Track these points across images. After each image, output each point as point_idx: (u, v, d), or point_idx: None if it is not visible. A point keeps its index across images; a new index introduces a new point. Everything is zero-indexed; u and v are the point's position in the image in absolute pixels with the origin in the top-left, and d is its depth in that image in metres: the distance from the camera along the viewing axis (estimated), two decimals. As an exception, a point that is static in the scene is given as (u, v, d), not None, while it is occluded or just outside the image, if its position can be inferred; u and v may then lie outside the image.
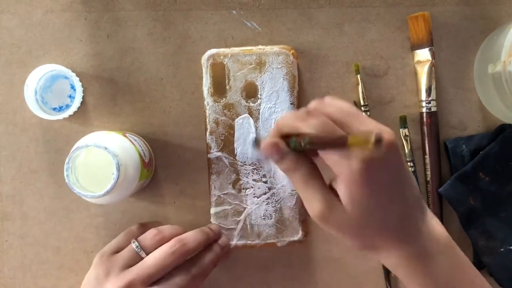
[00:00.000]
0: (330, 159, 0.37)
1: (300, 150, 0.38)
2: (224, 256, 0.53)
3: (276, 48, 0.53)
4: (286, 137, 0.39)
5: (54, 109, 0.55)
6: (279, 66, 0.53)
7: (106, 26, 0.56)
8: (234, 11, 0.56)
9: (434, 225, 0.39)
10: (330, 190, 0.38)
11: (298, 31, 0.56)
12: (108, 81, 0.56)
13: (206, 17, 0.56)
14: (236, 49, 0.53)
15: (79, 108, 0.55)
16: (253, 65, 0.53)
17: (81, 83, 0.55)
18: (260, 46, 0.54)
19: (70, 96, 0.55)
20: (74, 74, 0.54)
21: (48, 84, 0.55)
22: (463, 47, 0.55)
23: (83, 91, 0.55)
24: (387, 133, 0.36)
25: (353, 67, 0.55)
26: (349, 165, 0.35)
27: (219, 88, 0.54)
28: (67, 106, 0.55)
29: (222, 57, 0.53)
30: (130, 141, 0.50)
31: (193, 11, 0.56)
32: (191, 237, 0.49)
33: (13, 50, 0.56)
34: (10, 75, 0.56)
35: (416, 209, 0.39)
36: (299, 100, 0.54)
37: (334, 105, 0.38)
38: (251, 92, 0.54)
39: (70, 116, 0.55)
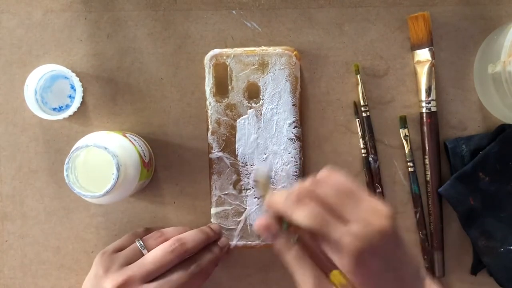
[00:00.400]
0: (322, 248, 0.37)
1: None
2: (224, 256, 0.53)
3: (279, 49, 0.53)
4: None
5: (54, 109, 0.55)
6: (281, 67, 0.53)
7: (106, 26, 0.56)
8: (234, 11, 0.56)
9: None
10: (321, 270, 0.38)
11: (298, 31, 0.56)
12: (108, 81, 0.56)
13: (206, 17, 0.56)
14: (239, 50, 0.53)
15: (79, 108, 0.55)
16: (255, 66, 0.53)
17: (81, 83, 0.55)
18: (263, 47, 0.53)
19: (70, 96, 0.55)
20: (74, 74, 0.54)
21: (48, 84, 0.55)
22: (463, 47, 0.55)
23: (83, 91, 0.55)
24: (378, 219, 0.35)
25: (353, 67, 0.55)
26: (339, 257, 0.36)
27: (221, 88, 0.54)
28: (67, 106, 0.55)
29: (225, 57, 0.53)
30: (130, 141, 0.50)
31: (193, 11, 0.56)
32: (190, 236, 0.50)
33: (13, 50, 0.56)
34: (10, 75, 0.56)
35: (413, 283, 0.38)
36: (301, 101, 0.54)
37: (329, 184, 0.37)
38: (253, 92, 0.54)
39: (70, 116, 0.55)
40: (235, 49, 0.53)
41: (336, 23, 0.56)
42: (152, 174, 0.55)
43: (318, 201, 0.36)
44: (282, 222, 0.39)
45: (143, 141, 0.54)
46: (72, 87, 0.55)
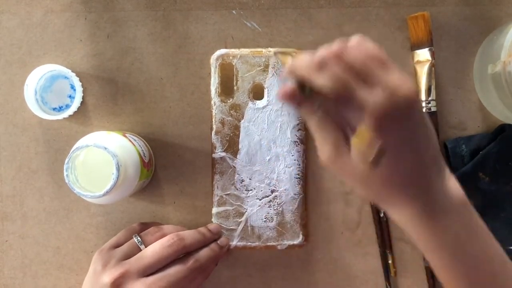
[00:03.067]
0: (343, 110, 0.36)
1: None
2: (224, 256, 0.53)
3: (285, 51, 0.53)
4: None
5: (54, 109, 0.55)
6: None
7: (106, 26, 0.56)
8: (234, 11, 0.56)
9: (450, 184, 0.38)
10: (343, 137, 0.37)
11: (298, 31, 0.56)
12: (108, 81, 0.56)
13: (206, 17, 0.56)
14: (245, 50, 0.53)
15: (79, 108, 0.55)
16: (261, 67, 0.53)
17: (81, 83, 0.55)
18: (269, 49, 0.53)
19: (70, 96, 0.55)
20: (74, 74, 0.54)
21: (48, 84, 0.55)
22: (463, 47, 0.55)
23: (83, 91, 0.55)
24: (407, 87, 0.34)
25: (353, 67, 0.55)
26: (362, 121, 0.35)
27: (227, 88, 0.54)
28: (67, 106, 0.55)
29: (231, 57, 0.53)
30: (130, 141, 0.50)
31: (193, 11, 0.56)
32: (189, 233, 0.50)
33: (13, 50, 0.56)
34: (10, 75, 0.56)
35: (430, 167, 0.37)
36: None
37: (358, 49, 0.35)
38: (258, 94, 0.54)
39: (70, 116, 0.55)
40: (242, 49, 0.53)
41: (336, 23, 0.56)
42: (152, 174, 0.55)
43: (344, 65, 0.35)
44: (304, 88, 0.37)
45: (143, 141, 0.54)
46: (72, 87, 0.55)
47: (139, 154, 0.50)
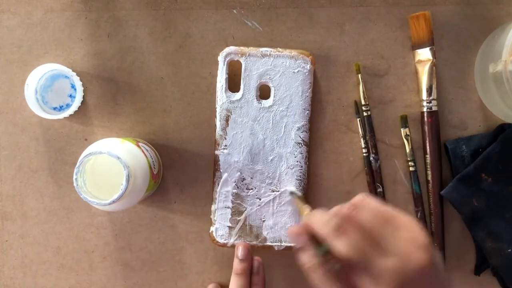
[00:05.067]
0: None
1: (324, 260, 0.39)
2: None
3: (294, 52, 0.53)
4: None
5: (55, 108, 0.55)
6: (295, 71, 0.53)
7: (107, 25, 0.56)
8: (234, 11, 0.56)
9: None
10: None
11: (298, 31, 0.56)
12: (109, 80, 0.56)
13: (206, 17, 0.56)
14: (254, 49, 0.53)
15: (79, 107, 0.55)
16: (269, 67, 0.53)
17: (81, 83, 0.55)
18: (279, 49, 0.53)
19: (70, 95, 0.55)
20: (74, 74, 0.54)
21: (48, 84, 0.55)
22: (464, 47, 0.55)
23: (84, 91, 0.55)
24: (419, 256, 0.35)
25: (353, 66, 0.55)
26: (373, 283, 0.36)
27: (233, 86, 0.54)
28: (68, 106, 0.55)
29: (239, 55, 0.53)
30: (143, 151, 0.50)
31: (194, 11, 0.56)
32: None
33: (14, 50, 0.56)
34: (11, 75, 0.56)
35: None
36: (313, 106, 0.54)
37: (367, 210, 0.37)
38: (264, 93, 0.54)
39: (70, 115, 0.55)
40: (251, 48, 0.53)
41: (337, 22, 0.56)
42: (158, 185, 0.55)
43: (358, 228, 0.37)
44: (321, 246, 0.39)
45: (154, 151, 0.54)
46: (73, 87, 0.55)
47: (150, 165, 0.50)
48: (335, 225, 0.37)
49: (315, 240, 0.39)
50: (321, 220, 0.39)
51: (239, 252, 0.53)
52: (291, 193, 0.53)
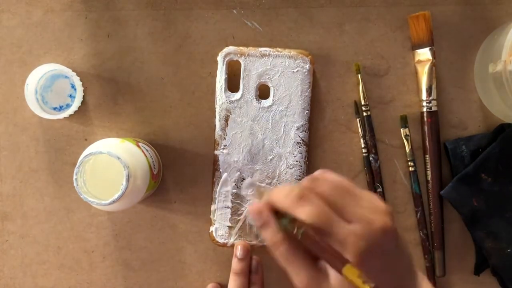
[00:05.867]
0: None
1: (289, 232, 0.38)
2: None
3: (293, 52, 0.53)
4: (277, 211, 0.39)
5: (55, 108, 0.55)
6: (295, 70, 0.53)
7: (107, 25, 0.56)
8: (234, 11, 0.56)
9: (423, 285, 0.40)
10: (314, 263, 0.38)
11: (298, 31, 0.56)
12: (109, 80, 0.56)
13: (206, 17, 0.56)
14: (253, 49, 0.53)
15: (79, 107, 0.55)
16: (269, 67, 0.53)
17: (81, 83, 0.55)
18: (278, 49, 0.53)
19: (70, 95, 0.55)
20: (74, 74, 0.54)
21: (48, 84, 0.55)
22: (463, 47, 0.55)
23: (84, 91, 0.55)
24: (382, 219, 0.36)
25: (353, 66, 0.55)
26: (343, 254, 0.36)
27: (232, 86, 0.54)
28: (68, 106, 0.55)
29: (239, 55, 0.53)
30: (143, 151, 0.50)
31: (194, 11, 0.56)
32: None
33: (14, 50, 0.56)
34: (11, 75, 0.56)
35: (407, 280, 0.39)
36: (312, 106, 0.54)
37: (327, 182, 0.37)
38: (264, 93, 0.54)
39: (70, 115, 0.55)
40: (250, 48, 0.53)
41: (337, 22, 0.56)
42: (158, 185, 0.55)
43: (320, 197, 0.37)
44: (281, 220, 0.38)
45: (154, 151, 0.54)
46: (73, 87, 0.55)
47: (150, 165, 0.50)
48: (297, 195, 0.37)
49: (277, 215, 0.38)
50: (281, 192, 0.38)
51: (238, 251, 0.53)
52: (253, 185, 0.53)
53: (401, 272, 0.39)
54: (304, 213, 0.36)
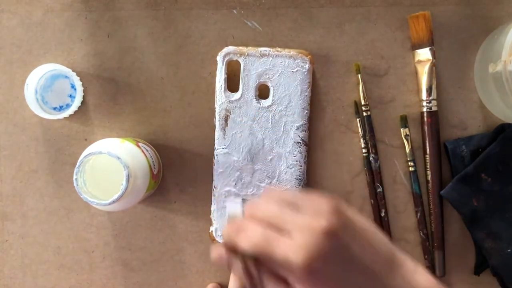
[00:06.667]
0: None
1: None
2: None
3: (293, 51, 0.53)
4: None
5: (55, 108, 0.55)
6: (294, 70, 0.53)
7: (107, 25, 0.56)
8: (234, 11, 0.56)
9: (416, 279, 0.36)
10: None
11: (298, 31, 0.56)
12: (109, 80, 0.56)
13: (206, 17, 0.56)
14: (253, 49, 0.53)
15: (79, 107, 0.55)
16: (268, 67, 0.53)
17: (81, 83, 0.55)
18: (277, 48, 0.53)
19: (70, 95, 0.55)
20: (74, 74, 0.54)
21: (48, 84, 0.55)
22: (463, 47, 0.55)
23: (84, 91, 0.55)
24: (323, 221, 0.33)
25: (353, 66, 0.55)
26: (292, 273, 0.33)
27: (232, 85, 0.54)
28: (68, 106, 0.55)
29: (238, 55, 0.53)
30: (143, 151, 0.50)
31: (194, 11, 0.56)
32: None
33: (14, 50, 0.56)
34: (11, 75, 0.56)
35: (384, 274, 0.35)
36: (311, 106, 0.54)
37: (267, 202, 0.35)
38: (263, 92, 0.54)
39: (70, 115, 0.55)
40: (249, 48, 0.53)
41: (337, 22, 0.56)
42: (158, 185, 0.55)
43: (258, 222, 0.34)
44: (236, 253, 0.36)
45: (154, 151, 0.54)
46: (73, 87, 0.55)
47: (150, 165, 0.50)
48: (236, 227, 0.35)
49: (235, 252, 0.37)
50: (225, 231, 0.36)
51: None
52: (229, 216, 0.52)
53: (370, 265, 0.34)
54: (244, 242, 0.34)
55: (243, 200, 0.53)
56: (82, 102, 0.55)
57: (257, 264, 0.35)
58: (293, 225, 0.33)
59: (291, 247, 0.32)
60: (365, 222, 0.35)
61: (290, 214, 0.34)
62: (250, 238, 0.34)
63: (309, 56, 0.53)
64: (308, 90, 0.53)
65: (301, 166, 0.54)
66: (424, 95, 0.54)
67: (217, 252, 0.37)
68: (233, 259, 0.36)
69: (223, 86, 0.53)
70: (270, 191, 0.36)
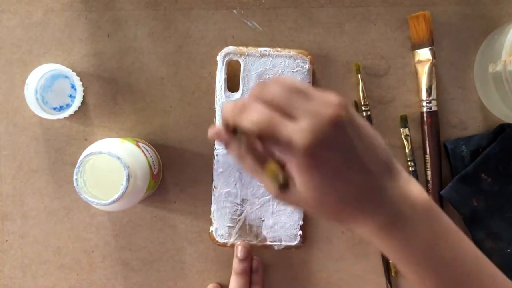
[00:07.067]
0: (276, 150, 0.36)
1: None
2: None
3: (293, 52, 0.53)
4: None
5: (55, 108, 0.55)
6: (294, 70, 0.53)
7: (107, 25, 0.56)
8: (234, 11, 0.56)
9: (410, 188, 0.36)
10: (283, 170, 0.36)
11: (298, 31, 0.56)
12: (109, 80, 0.56)
13: (206, 17, 0.56)
14: (253, 49, 0.53)
15: (79, 107, 0.55)
16: (268, 67, 0.53)
17: (81, 83, 0.55)
18: (278, 48, 0.53)
19: (70, 95, 0.55)
20: (74, 74, 0.54)
21: (48, 84, 0.55)
22: (463, 47, 0.55)
23: (84, 91, 0.55)
24: (331, 110, 0.33)
25: (353, 66, 0.55)
26: (293, 155, 0.33)
27: (232, 85, 0.54)
28: (68, 106, 0.55)
29: (238, 55, 0.53)
30: (143, 151, 0.50)
31: (194, 11, 0.56)
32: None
33: (14, 50, 0.56)
34: (11, 75, 0.56)
35: (381, 177, 0.35)
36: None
37: (276, 86, 0.35)
38: None
39: (70, 115, 0.55)
40: (250, 48, 0.53)
41: (337, 22, 0.56)
42: (158, 185, 0.55)
43: (265, 103, 0.34)
44: (236, 133, 0.36)
45: (154, 151, 0.54)
46: (73, 87, 0.55)
47: (150, 165, 0.50)
48: (240, 106, 0.35)
49: (235, 131, 0.37)
50: (229, 106, 0.36)
51: (239, 252, 0.53)
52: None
53: (372, 168, 0.35)
54: (246, 121, 0.34)
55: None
56: (82, 102, 0.55)
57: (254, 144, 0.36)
58: (300, 111, 0.33)
59: (296, 129, 0.33)
60: (368, 125, 0.36)
61: (298, 100, 0.34)
62: (254, 117, 0.34)
63: (309, 56, 0.53)
64: None
65: None
66: (424, 95, 0.54)
67: (215, 129, 0.38)
68: (228, 137, 0.37)
69: (223, 86, 0.53)
70: (280, 78, 0.36)
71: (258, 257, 0.54)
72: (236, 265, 0.53)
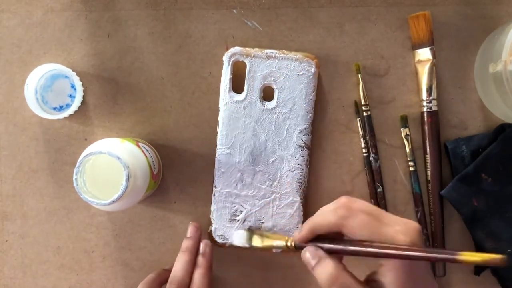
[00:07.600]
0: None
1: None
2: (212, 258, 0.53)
3: (299, 55, 0.53)
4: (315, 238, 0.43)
5: (55, 108, 0.55)
6: (300, 73, 0.53)
7: (107, 25, 0.56)
8: (234, 10, 0.56)
9: None
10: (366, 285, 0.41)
11: (298, 31, 0.56)
12: (109, 80, 0.56)
13: (206, 17, 0.56)
14: (259, 50, 0.53)
15: (79, 107, 0.55)
16: (274, 69, 0.53)
17: (81, 83, 0.55)
18: (284, 51, 0.53)
19: (70, 95, 0.55)
20: (74, 74, 0.54)
21: (48, 84, 0.55)
22: (464, 47, 0.55)
23: (84, 91, 0.55)
24: (413, 222, 0.40)
25: (353, 66, 0.55)
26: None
27: (236, 86, 0.54)
28: (68, 106, 0.55)
29: (244, 56, 0.53)
30: (143, 151, 0.50)
31: (194, 10, 0.56)
32: (176, 269, 0.51)
33: (14, 50, 0.56)
34: (11, 75, 0.56)
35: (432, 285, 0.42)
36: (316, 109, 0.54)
37: (359, 202, 0.41)
38: (268, 95, 0.53)
39: (70, 115, 0.55)
40: (256, 49, 0.53)
41: (337, 22, 0.56)
42: (158, 185, 0.55)
43: (361, 211, 0.40)
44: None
45: (154, 151, 0.54)
46: (73, 87, 0.55)
47: (150, 165, 0.50)
48: (343, 211, 0.41)
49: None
50: (325, 212, 0.41)
51: (188, 230, 0.53)
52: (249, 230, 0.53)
53: (429, 280, 0.42)
54: (355, 224, 0.40)
55: (249, 230, 0.53)
56: (82, 102, 0.55)
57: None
58: (391, 220, 0.40)
59: (396, 231, 0.39)
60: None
61: (384, 213, 0.41)
62: (360, 221, 0.40)
63: (315, 60, 0.53)
64: (312, 94, 0.53)
65: (302, 170, 0.53)
66: (424, 95, 0.54)
67: (312, 248, 0.43)
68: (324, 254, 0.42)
69: (228, 86, 0.53)
70: (353, 199, 0.42)
71: (208, 241, 0.53)
72: (183, 243, 0.52)
